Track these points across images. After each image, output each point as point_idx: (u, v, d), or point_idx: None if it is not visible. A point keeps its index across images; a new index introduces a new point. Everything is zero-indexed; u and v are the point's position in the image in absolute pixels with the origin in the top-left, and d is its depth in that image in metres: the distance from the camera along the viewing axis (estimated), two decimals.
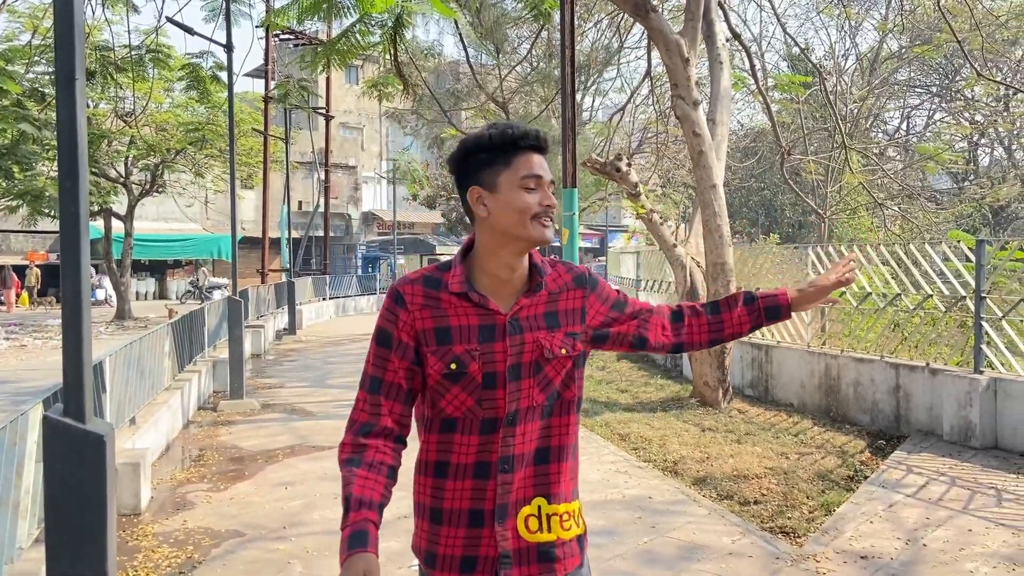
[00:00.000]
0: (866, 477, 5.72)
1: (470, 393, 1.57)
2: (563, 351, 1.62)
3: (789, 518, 4.95)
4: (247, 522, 5.11)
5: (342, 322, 22.34)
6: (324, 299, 23.93)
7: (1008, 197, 19.61)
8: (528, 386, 1.59)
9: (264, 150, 20.32)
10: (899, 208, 12.35)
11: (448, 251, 38.01)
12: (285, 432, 7.82)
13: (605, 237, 42.69)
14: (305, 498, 5.58)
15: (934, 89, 28.60)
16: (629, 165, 8.57)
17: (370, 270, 31.00)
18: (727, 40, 9.89)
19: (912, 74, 26.47)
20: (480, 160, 1.60)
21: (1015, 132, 27.89)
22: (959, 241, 7.94)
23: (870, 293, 7.64)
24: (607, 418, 7.82)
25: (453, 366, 1.56)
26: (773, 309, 1.80)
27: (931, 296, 7.06)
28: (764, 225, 26.31)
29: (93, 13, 14.54)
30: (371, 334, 1.64)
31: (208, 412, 8.83)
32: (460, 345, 1.56)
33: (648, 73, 12.75)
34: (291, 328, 17.65)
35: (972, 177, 26.88)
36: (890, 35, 19.85)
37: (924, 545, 4.33)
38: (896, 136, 27.67)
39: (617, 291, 1.79)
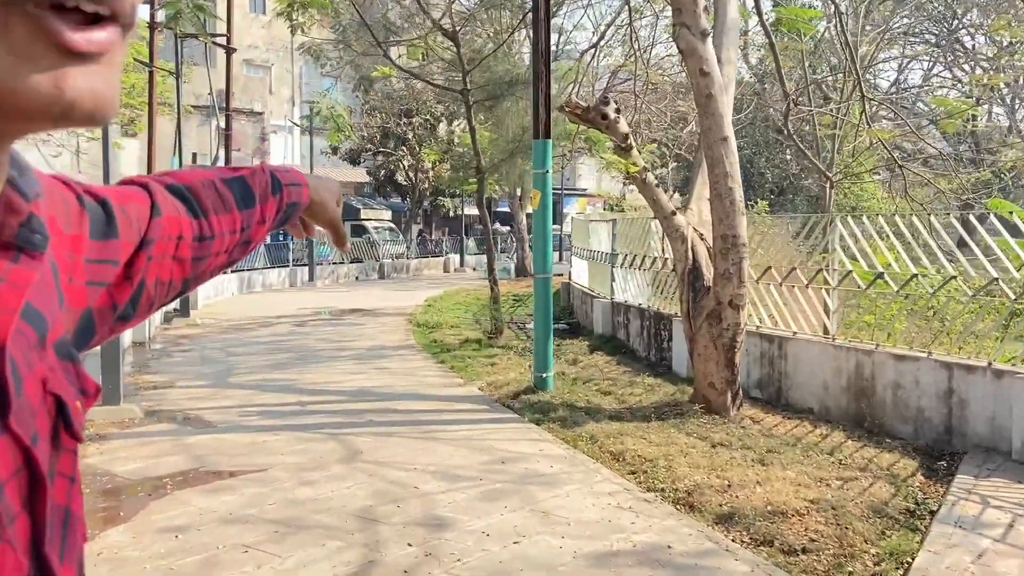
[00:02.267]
0: (932, 512, 5.13)
1: None
2: (79, 402, 0.65)
3: (851, 573, 4.30)
4: None
5: (247, 300, 21.15)
6: (225, 272, 22.63)
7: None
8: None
9: (150, 89, 18.77)
10: (916, 172, 11.94)
11: (376, 215, 36.57)
12: (176, 451, 6.84)
13: (560, 201, 42.03)
14: (204, 552, 4.66)
15: (932, 39, 28.66)
16: (618, 111, 7.78)
17: (281, 238, 29.54)
18: None
19: (910, 20, 26.37)
20: None
21: (1017, 89, 28.18)
22: (1011, 212, 7.43)
23: (916, 275, 7.05)
24: (592, 430, 7.07)
25: None
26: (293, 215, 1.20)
27: (997, 279, 6.49)
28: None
29: None
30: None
31: None
32: None
33: (627, 2, 11.96)
34: (183, 308, 16.41)
35: (969, 139, 27.05)
36: None
37: None
38: (890, 92, 27.63)
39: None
